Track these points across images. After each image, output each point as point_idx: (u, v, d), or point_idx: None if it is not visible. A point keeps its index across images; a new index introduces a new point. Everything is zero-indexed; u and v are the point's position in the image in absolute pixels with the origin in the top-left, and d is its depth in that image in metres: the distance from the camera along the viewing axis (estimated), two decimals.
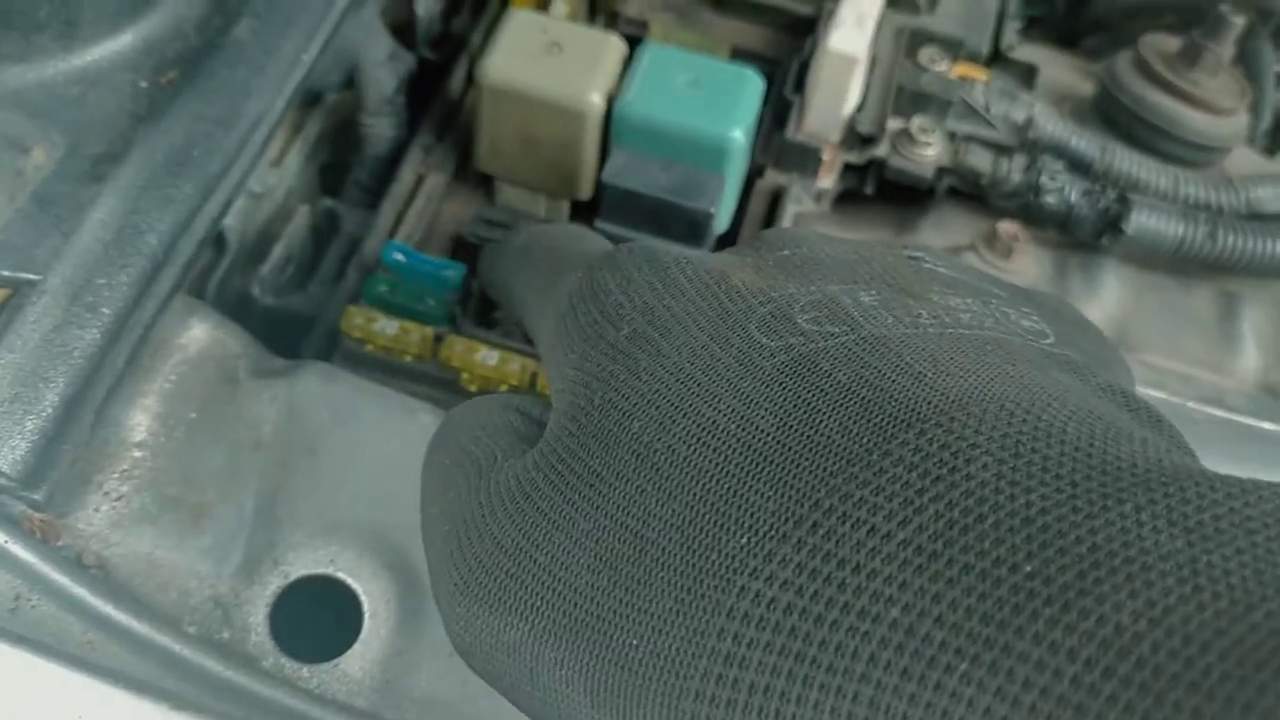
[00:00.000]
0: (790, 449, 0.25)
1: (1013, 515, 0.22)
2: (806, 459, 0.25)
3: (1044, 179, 0.62)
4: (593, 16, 0.72)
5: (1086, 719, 0.19)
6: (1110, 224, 0.62)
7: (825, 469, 0.24)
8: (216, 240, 0.56)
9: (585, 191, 0.61)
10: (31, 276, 0.41)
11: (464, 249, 0.59)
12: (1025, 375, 0.27)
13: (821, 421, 0.26)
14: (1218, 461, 0.54)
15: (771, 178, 0.65)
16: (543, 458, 0.30)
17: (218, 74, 0.48)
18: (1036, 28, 0.80)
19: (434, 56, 0.69)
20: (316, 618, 0.41)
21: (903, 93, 0.65)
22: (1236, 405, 0.58)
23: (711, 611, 0.25)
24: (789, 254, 0.33)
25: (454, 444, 0.34)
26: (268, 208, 0.60)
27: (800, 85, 0.65)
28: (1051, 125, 0.65)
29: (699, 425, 0.27)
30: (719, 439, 0.27)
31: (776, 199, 0.64)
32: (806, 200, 0.64)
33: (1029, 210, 0.63)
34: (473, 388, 0.52)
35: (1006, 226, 0.61)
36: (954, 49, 0.68)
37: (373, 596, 0.41)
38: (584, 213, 0.61)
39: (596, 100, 0.57)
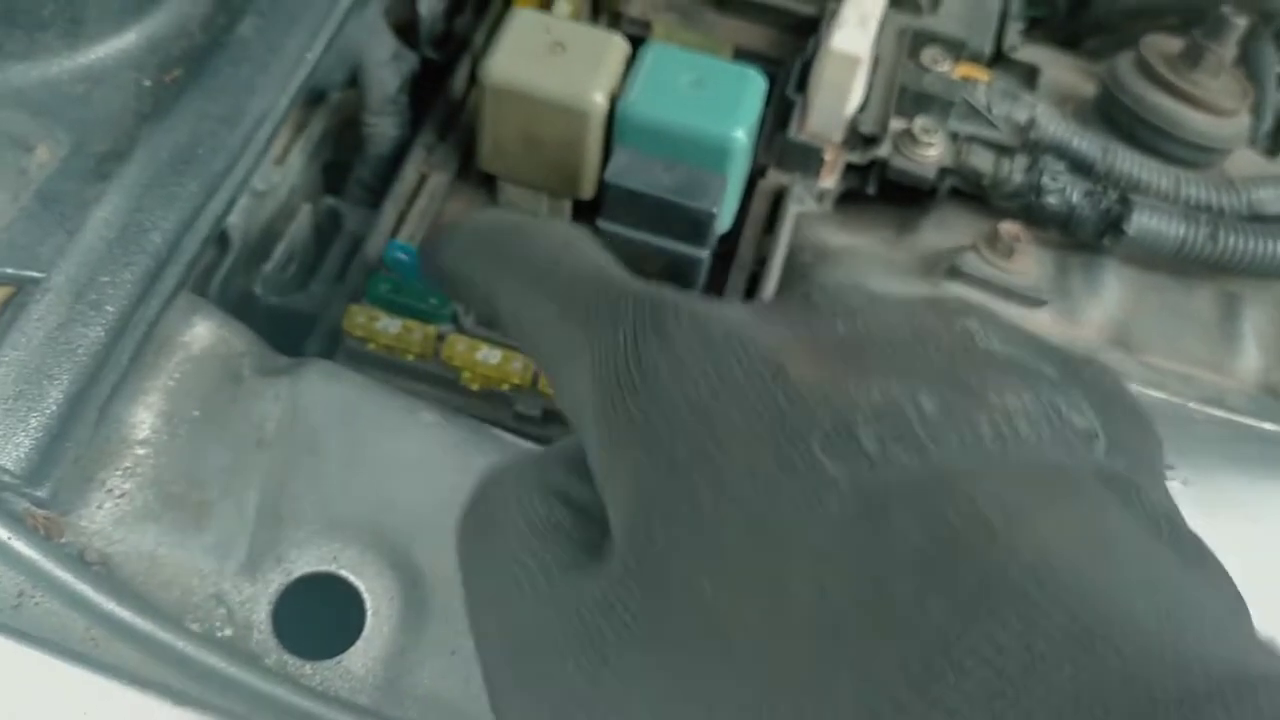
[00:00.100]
0: (868, 628, 0.25)
1: None
2: (885, 641, 0.24)
3: (1046, 179, 0.62)
4: (595, 16, 0.72)
5: None
6: (1112, 225, 0.62)
7: (904, 658, 0.24)
8: (219, 239, 0.56)
9: (588, 191, 0.61)
10: (36, 274, 0.41)
11: None
12: (1089, 521, 0.26)
13: (897, 596, 0.25)
14: (1218, 461, 0.55)
15: (774, 177, 0.65)
16: (607, 601, 0.29)
17: (222, 72, 0.48)
18: (1038, 29, 0.80)
19: (437, 56, 0.69)
20: (319, 615, 0.41)
21: (905, 93, 0.65)
22: (1237, 405, 0.58)
23: None
24: (843, 330, 0.31)
25: (497, 539, 0.33)
26: (271, 206, 0.60)
27: (803, 85, 0.65)
28: (1053, 126, 0.65)
29: (770, 590, 0.26)
30: (792, 610, 0.26)
31: (779, 199, 0.64)
32: (808, 200, 0.64)
33: (1031, 211, 0.63)
34: (474, 386, 0.52)
35: (1008, 227, 0.61)
36: (956, 49, 0.68)
37: (375, 594, 0.41)
38: (586, 212, 0.61)
39: (599, 100, 0.57)
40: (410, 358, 0.52)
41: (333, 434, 0.43)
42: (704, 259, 0.57)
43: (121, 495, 0.40)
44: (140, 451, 0.41)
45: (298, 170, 0.62)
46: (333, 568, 0.41)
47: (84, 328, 0.40)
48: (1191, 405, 0.58)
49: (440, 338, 0.52)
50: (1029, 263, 0.62)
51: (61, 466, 0.39)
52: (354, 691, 0.40)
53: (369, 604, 0.41)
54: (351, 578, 0.41)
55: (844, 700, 0.24)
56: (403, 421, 0.44)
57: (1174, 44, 0.68)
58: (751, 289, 0.60)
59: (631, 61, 0.60)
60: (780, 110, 0.65)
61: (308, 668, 0.40)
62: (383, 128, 0.65)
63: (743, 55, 0.70)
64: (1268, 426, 0.58)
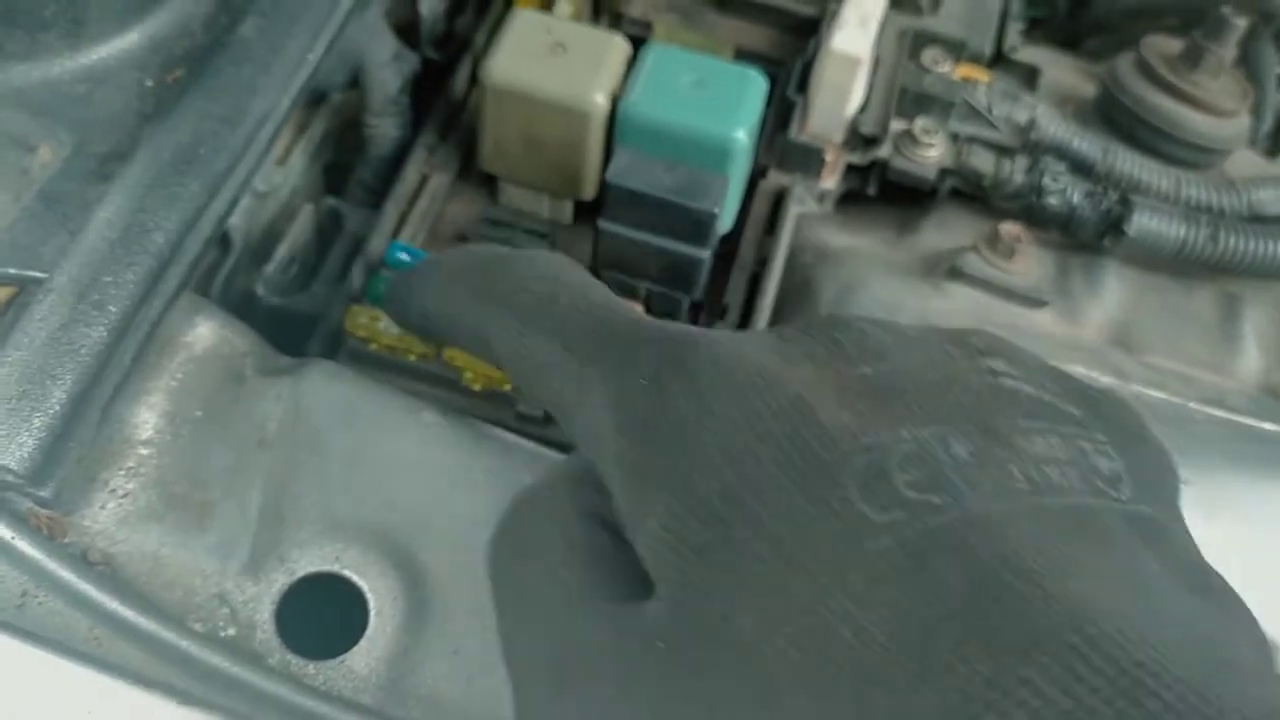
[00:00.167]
0: (907, 671, 0.24)
1: None
2: (926, 687, 0.24)
3: (1046, 180, 0.62)
4: (596, 17, 0.72)
5: None
6: (1112, 225, 0.62)
7: (945, 703, 0.24)
8: (221, 240, 0.56)
9: (589, 191, 0.61)
10: (38, 274, 0.41)
11: None
12: (1123, 569, 0.27)
13: (937, 641, 0.25)
14: (1219, 462, 0.55)
15: (775, 178, 0.65)
16: (647, 633, 0.29)
17: (224, 72, 0.48)
18: (1038, 29, 0.80)
19: (438, 56, 0.69)
20: (322, 615, 0.41)
21: (905, 94, 0.65)
22: (1238, 406, 0.58)
23: None
24: (870, 373, 0.31)
25: (537, 559, 0.33)
26: (272, 207, 0.60)
27: (803, 86, 0.65)
28: (1054, 127, 0.66)
29: (809, 629, 0.26)
30: (832, 648, 0.25)
31: (780, 199, 0.64)
32: (809, 201, 0.64)
33: (1031, 211, 0.64)
34: (476, 387, 0.52)
35: (1009, 228, 0.61)
36: (956, 50, 0.68)
37: (378, 594, 0.41)
38: (587, 212, 0.61)
39: (600, 100, 0.58)
40: (412, 358, 0.52)
41: (335, 434, 0.43)
42: (705, 259, 0.57)
43: (124, 495, 0.40)
44: (143, 451, 0.41)
45: (299, 171, 0.62)
46: (335, 568, 0.41)
47: (87, 328, 0.40)
48: (1192, 405, 0.58)
49: None
50: (1030, 263, 0.62)
51: (65, 466, 0.39)
52: (357, 691, 0.40)
53: (372, 604, 0.41)
54: (354, 578, 0.41)
55: None
56: (405, 422, 0.44)
57: (1174, 45, 0.68)
58: (753, 289, 0.60)
59: (632, 62, 0.60)
60: (781, 111, 0.65)
61: (311, 667, 0.40)
62: (384, 128, 0.65)
63: (743, 56, 0.70)
64: (1268, 427, 0.58)
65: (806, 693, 0.25)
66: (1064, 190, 0.63)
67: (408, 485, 0.42)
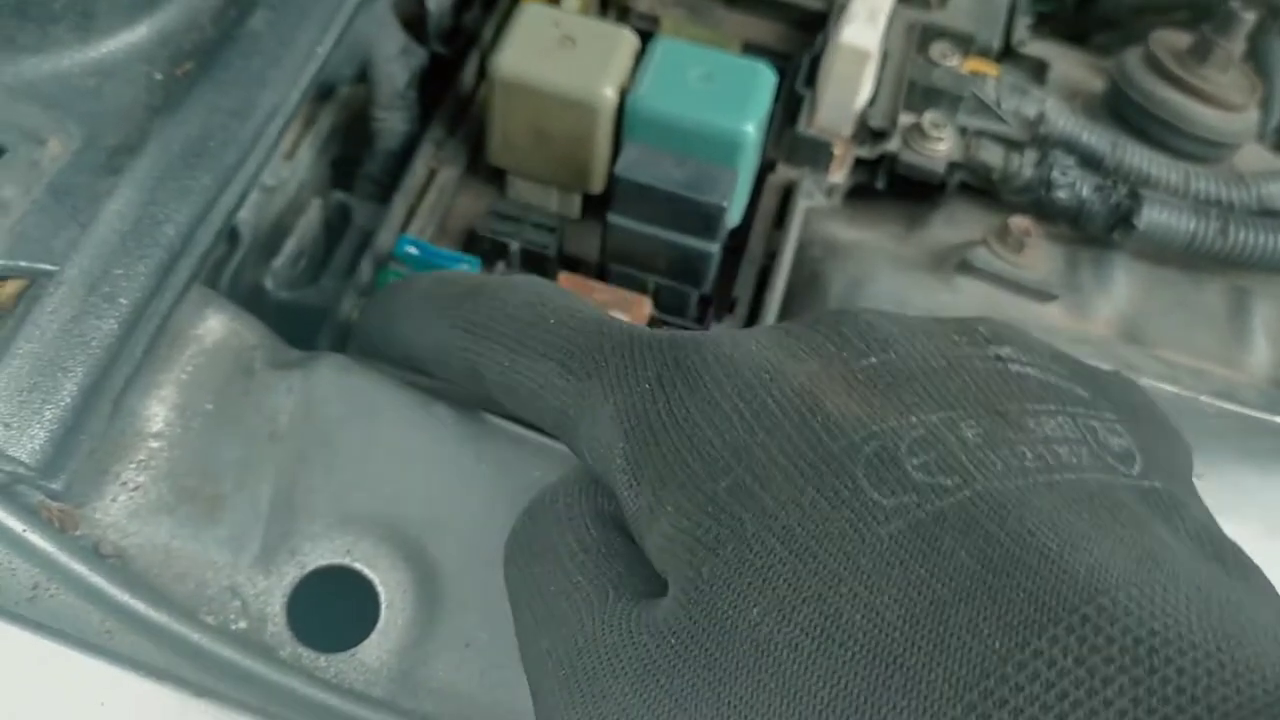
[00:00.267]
0: (920, 650, 0.25)
1: None
2: (938, 664, 0.24)
3: (1055, 174, 0.62)
4: (604, 11, 0.72)
5: None
6: (1122, 219, 0.62)
7: (959, 679, 0.24)
8: (229, 234, 0.56)
9: (597, 185, 0.61)
10: (49, 267, 0.41)
11: (477, 243, 0.59)
12: (1136, 540, 0.27)
13: (950, 617, 0.25)
14: (1230, 456, 0.55)
15: (783, 172, 0.65)
16: (661, 631, 0.29)
17: (233, 65, 0.48)
18: (1047, 24, 0.80)
19: (446, 51, 0.69)
20: (333, 608, 0.41)
21: (914, 88, 0.65)
22: (1248, 399, 0.58)
23: None
24: (877, 362, 0.31)
25: (552, 562, 0.33)
26: (280, 201, 0.60)
27: (812, 80, 0.65)
28: (1063, 120, 0.65)
29: (821, 614, 0.26)
30: (844, 632, 0.26)
31: (788, 193, 0.64)
32: (818, 195, 0.64)
33: (1040, 205, 0.63)
34: None
35: (1018, 221, 0.61)
36: (965, 44, 0.68)
37: (389, 587, 0.41)
38: (596, 206, 0.61)
39: (609, 94, 0.58)
40: None
41: (346, 427, 0.43)
42: (714, 253, 0.57)
43: (135, 488, 0.40)
44: (154, 444, 0.41)
45: (307, 165, 0.62)
46: (347, 560, 0.41)
47: (97, 320, 0.40)
48: (1202, 399, 0.58)
49: None
50: (1039, 257, 0.62)
51: (76, 459, 0.39)
52: (368, 684, 0.40)
53: (383, 597, 0.41)
54: (365, 570, 0.41)
55: None
56: (416, 415, 0.44)
57: (1183, 39, 0.68)
58: (761, 283, 0.60)
59: (641, 56, 0.60)
60: (789, 105, 0.65)
61: (322, 660, 0.40)
62: (392, 123, 0.65)
63: (751, 50, 0.70)
64: (1278, 420, 0.58)
65: (821, 679, 0.25)
66: (1073, 184, 0.62)
67: (418, 478, 0.42)
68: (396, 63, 0.64)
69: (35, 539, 0.37)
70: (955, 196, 0.66)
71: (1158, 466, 0.31)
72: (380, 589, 0.41)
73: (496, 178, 0.64)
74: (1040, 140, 0.65)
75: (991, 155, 0.64)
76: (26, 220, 0.42)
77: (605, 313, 0.37)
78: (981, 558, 0.25)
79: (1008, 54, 0.72)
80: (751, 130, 0.57)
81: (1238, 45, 0.66)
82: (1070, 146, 0.65)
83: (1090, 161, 0.65)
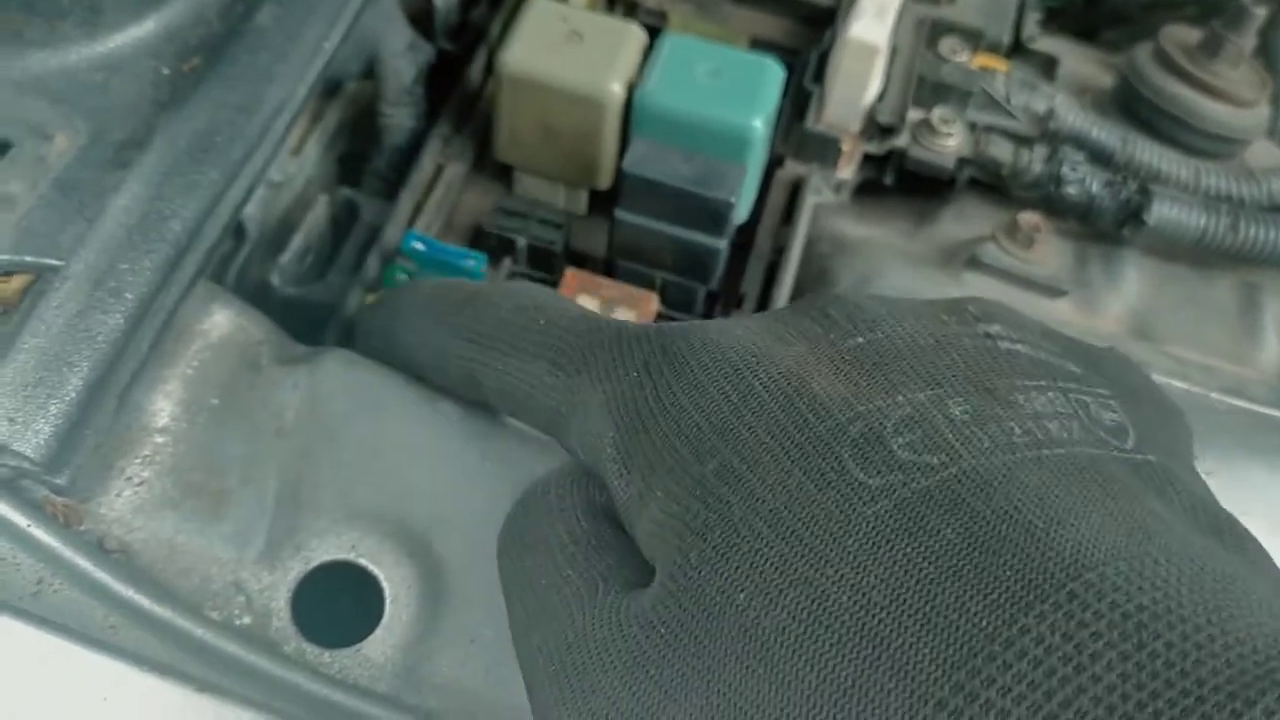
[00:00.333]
0: (907, 630, 0.24)
1: None
2: (925, 643, 0.24)
3: (1065, 170, 0.62)
4: (612, 7, 0.72)
5: None
6: (1132, 215, 0.62)
7: (946, 658, 0.24)
8: (236, 230, 0.56)
9: (605, 181, 0.61)
10: (55, 262, 0.41)
11: (484, 239, 0.59)
12: (1126, 514, 0.26)
13: (937, 595, 0.25)
14: (1239, 452, 0.54)
15: (791, 168, 0.65)
16: (648, 620, 0.29)
17: (240, 60, 0.48)
18: (1056, 19, 0.80)
19: (453, 47, 0.69)
20: (338, 604, 0.41)
21: (923, 83, 0.65)
22: (1258, 396, 0.58)
23: None
24: (864, 342, 0.31)
25: (543, 555, 0.33)
26: (287, 197, 0.60)
27: (820, 75, 0.65)
28: (1072, 116, 0.65)
29: (808, 597, 0.26)
30: (830, 614, 0.25)
31: (796, 189, 0.64)
32: (826, 191, 0.64)
33: (1050, 201, 0.63)
34: None
35: (1027, 217, 0.61)
36: (974, 40, 0.68)
37: (394, 582, 0.41)
38: (603, 202, 0.61)
39: (617, 90, 0.57)
40: None
41: (352, 423, 0.43)
42: (722, 249, 0.57)
43: (141, 483, 0.40)
44: (159, 439, 0.41)
45: (314, 161, 0.62)
46: (351, 556, 0.41)
47: (104, 315, 0.40)
48: (1213, 396, 0.57)
49: None
50: (1049, 253, 0.61)
51: (81, 454, 0.38)
52: (373, 679, 0.40)
53: (388, 592, 0.41)
54: (370, 566, 0.41)
55: (887, 705, 0.24)
56: (422, 411, 0.43)
57: (1193, 34, 0.67)
58: (769, 280, 0.60)
59: (648, 51, 0.59)
60: (798, 101, 0.65)
61: (326, 656, 0.40)
62: (399, 119, 0.65)
63: (759, 46, 0.70)
64: None
65: (808, 662, 0.25)
66: (1083, 180, 0.62)
67: (424, 474, 0.42)
68: (404, 58, 0.64)
69: (40, 534, 0.37)
70: (964, 192, 0.65)
71: (1152, 441, 0.31)
72: (385, 585, 0.41)
73: (503, 174, 0.64)
74: (1050, 136, 0.65)
75: (1001, 151, 0.64)
76: (33, 215, 0.42)
77: (597, 313, 0.37)
78: (968, 535, 0.25)
79: (1017, 49, 0.72)
80: (759, 126, 0.57)
81: (1248, 40, 0.66)
82: (1080, 142, 0.65)
83: (1100, 157, 0.65)
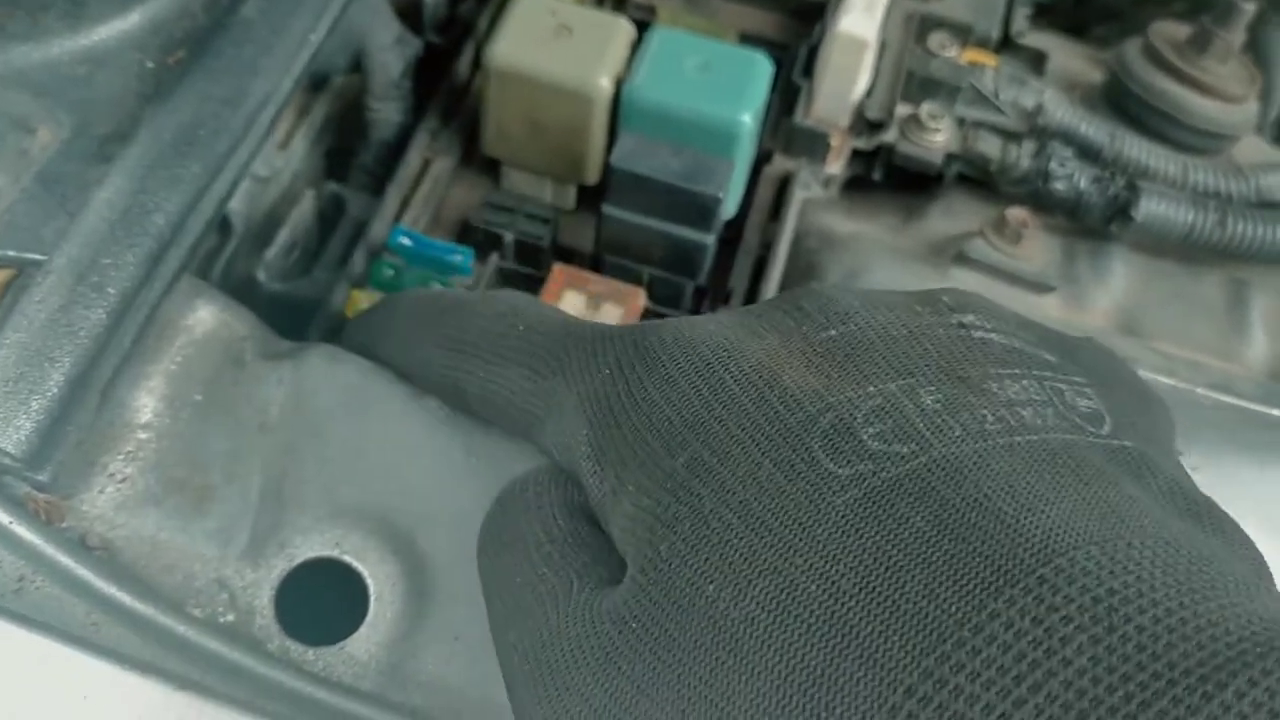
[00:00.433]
0: (876, 617, 0.24)
1: (1113, 712, 0.21)
2: (894, 630, 0.24)
3: (1053, 165, 0.62)
4: (600, 1, 0.71)
5: None
6: (1119, 211, 0.62)
7: (915, 645, 0.23)
8: (221, 224, 0.56)
9: (592, 176, 0.61)
10: (37, 256, 0.40)
11: (471, 234, 0.59)
12: (1100, 498, 0.26)
13: (905, 583, 0.25)
14: (1226, 448, 0.54)
15: (780, 163, 0.64)
16: (620, 615, 0.29)
17: (225, 53, 0.48)
18: (1046, 14, 0.79)
19: (441, 40, 0.69)
20: (322, 601, 0.41)
21: (912, 78, 0.65)
22: (1245, 392, 0.58)
23: None
24: (836, 335, 0.31)
25: (520, 553, 0.33)
26: (273, 191, 0.60)
27: (809, 70, 0.65)
28: (1061, 112, 0.65)
29: (777, 587, 0.26)
30: (799, 604, 0.25)
31: (785, 185, 0.64)
32: (815, 186, 0.64)
33: (1038, 197, 0.63)
34: None
35: (1015, 213, 0.61)
36: (964, 34, 0.68)
37: (379, 580, 0.41)
38: (591, 197, 0.61)
39: (604, 84, 0.57)
40: None
41: (337, 419, 0.43)
42: (709, 244, 0.57)
43: (123, 479, 0.40)
44: (142, 435, 0.41)
45: (300, 156, 0.62)
46: (336, 553, 0.41)
47: (86, 310, 0.39)
48: (1200, 391, 0.57)
49: None
50: (1036, 249, 0.61)
51: (63, 450, 0.38)
52: (357, 677, 0.40)
53: (372, 590, 0.41)
54: (355, 563, 0.41)
55: (856, 693, 0.24)
56: (407, 407, 0.43)
57: (1182, 30, 0.67)
58: (757, 275, 0.60)
59: (637, 46, 0.59)
60: (786, 95, 0.65)
61: (310, 653, 0.40)
62: (386, 113, 0.65)
63: (748, 40, 0.70)
64: (1276, 413, 0.57)
65: (776, 652, 0.25)
66: (1071, 175, 0.62)
67: (409, 470, 0.42)
68: (391, 52, 0.64)
69: (21, 531, 0.37)
70: (952, 188, 0.65)
71: (1129, 428, 0.31)
72: (369, 582, 0.41)
73: (491, 168, 0.64)
74: (1038, 131, 0.65)
75: (989, 146, 0.64)
76: (15, 209, 0.41)
77: (576, 317, 0.37)
78: (937, 523, 0.25)
79: (1006, 45, 0.72)
80: (748, 120, 0.57)
81: (1237, 36, 0.66)
82: (1068, 138, 0.65)
83: (1088, 153, 0.65)
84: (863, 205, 0.65)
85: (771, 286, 0.58)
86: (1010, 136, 0.64)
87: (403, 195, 0.60)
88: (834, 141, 0.64)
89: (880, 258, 0.61)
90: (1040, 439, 0.28)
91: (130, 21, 0.47)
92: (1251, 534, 0.30)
